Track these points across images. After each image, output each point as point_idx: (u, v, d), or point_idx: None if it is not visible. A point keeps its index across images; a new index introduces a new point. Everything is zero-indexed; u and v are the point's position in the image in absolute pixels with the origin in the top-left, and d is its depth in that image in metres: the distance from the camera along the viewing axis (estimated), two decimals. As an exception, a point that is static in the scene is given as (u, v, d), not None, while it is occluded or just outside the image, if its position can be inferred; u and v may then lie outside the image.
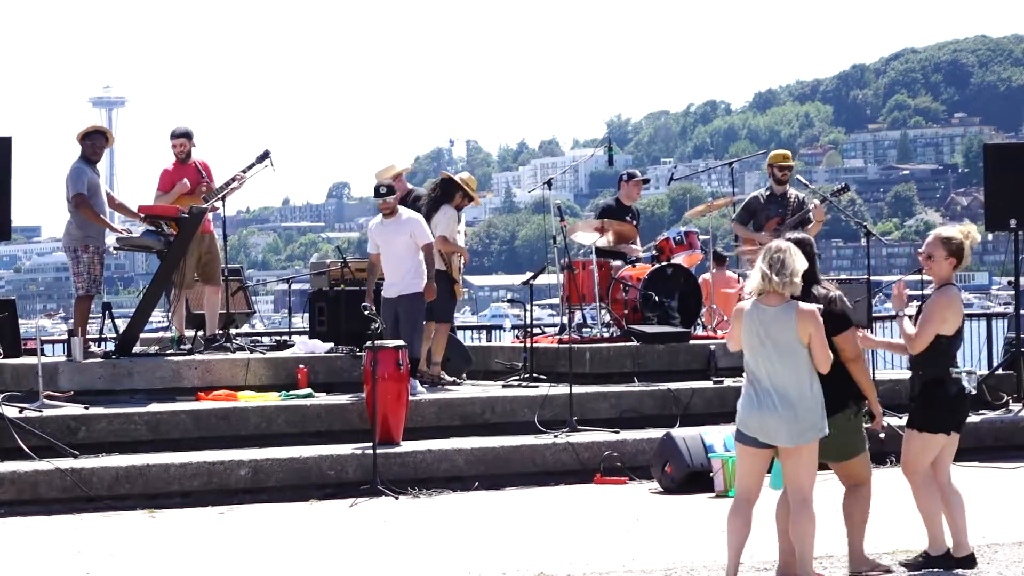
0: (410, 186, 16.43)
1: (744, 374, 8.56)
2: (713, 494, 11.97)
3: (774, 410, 8.31)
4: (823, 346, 8.33)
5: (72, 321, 14.95)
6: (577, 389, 14.05)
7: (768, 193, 15.71)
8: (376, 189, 14.58)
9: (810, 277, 8.60)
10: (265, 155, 15.91)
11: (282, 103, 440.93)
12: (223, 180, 15.67)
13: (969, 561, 9.09)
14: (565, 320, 16.92)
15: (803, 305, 8.37)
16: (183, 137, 15.67)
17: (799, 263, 8.39)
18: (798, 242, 8.65)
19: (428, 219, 15.07)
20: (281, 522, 11.25)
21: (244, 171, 15.81)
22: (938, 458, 9.12)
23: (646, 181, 18.24)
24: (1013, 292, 16.27)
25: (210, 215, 15.62)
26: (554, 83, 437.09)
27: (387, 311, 14.23)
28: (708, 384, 14.94)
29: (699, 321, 16.57)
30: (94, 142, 14.74)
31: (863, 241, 16.70)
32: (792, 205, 15.60)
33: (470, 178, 15.94)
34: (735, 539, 8.42)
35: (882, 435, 9.40)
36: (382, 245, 14.49)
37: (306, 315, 17.30)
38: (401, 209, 14.53)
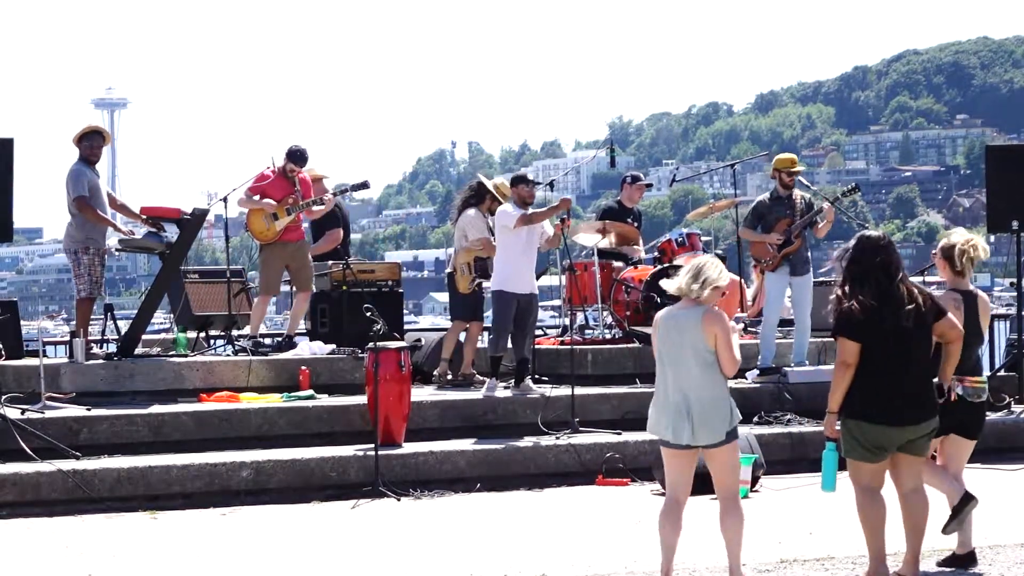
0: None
1: (656, 379, 8.71)
2: (715, 495, 11.94)
3: (683, 411, 8.50)
4: (728, 348, 8.50)
5: (74, 323, 14.94)
6: (579, 390, 14.06)
7: (774, 196, 15.73)
8: (523, 177, 14.74)
9: (897, 271, 8.68)
10: (363, 185, 16.29)
11: (283, 105, 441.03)
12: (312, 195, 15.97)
13: (970, 559, 9.18)
14: (567, 321, 16.93)
15: (710, 309, 8.56)
16: (303, 162, 15.88)
17: (717, 275, 8.59)
18: (878, 240, 8.73)
19: (455, 222, 15.53)
20: (283, 523, 11.25)
21: (335, 194, 16.12)
22: (949, 460, 9.22)
23: (648, 186, 18.24)
24: (1015, 294, 16.27)
25: (303, 221, 16.05)
26: (556, 85, 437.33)
27: (510, 306, 14.42)
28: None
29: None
30: (92, 143, 14.73)
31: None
32: (799, 207, 15.60)
33: (503, 184, 15.91)
34: (667, 541, 8.62)
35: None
36: (524, 238, 14.37)
37: (308, 317, 17.32)
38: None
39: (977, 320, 9.30)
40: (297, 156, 15.80)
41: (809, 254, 15.92)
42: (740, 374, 15.16)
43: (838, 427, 8.69)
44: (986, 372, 12.01)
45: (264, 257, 15.82)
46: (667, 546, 8.62)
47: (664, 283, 8.91)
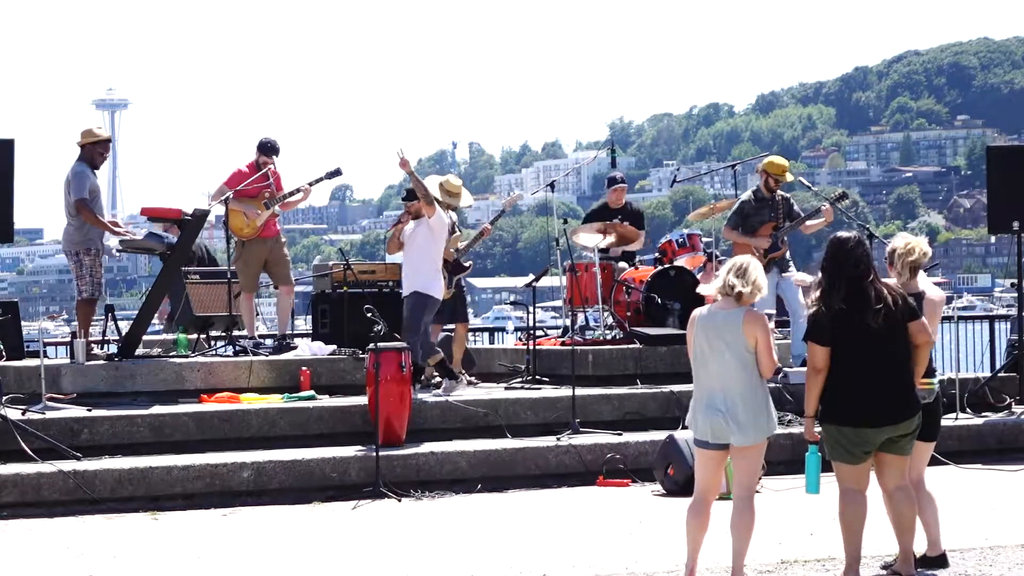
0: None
1: (693, 378, 8.77)
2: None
3: (721, 412, 8.58)
4: (768, 351, 8.58)
5: (75, 323, 14.91)
6: (580, 391, 14.05)
7: (759, 196, 15.81)
8: (409, 192, 14.72)
9: (868, 272, 8.69)
10: (336, 172, 16.29)
11: (285, 106, 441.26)
12: (289, 188, 15.93)
13: (942, 560, 9.21)
14: (568, 322, 16.92)
15: (751, 310, 8.63)
16: (275, 153, 15.88)
17: (761, 276, 8.68)
18: (848, 241, 8.73)
19: None
20: (284, 524, 11.25)
21: (310, 183, 16.10)
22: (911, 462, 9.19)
23: (623, 184, 18.03)
24: (1016, 294, 16.27)
25: (277, 217, 16.00)
26: (557, 85, 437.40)
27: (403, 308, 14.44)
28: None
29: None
30: (102, 149, 14.69)
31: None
32: (781, 208, 15.75)
33: (447, 180, 15.73)
34: (694, 538, 8.70)
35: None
36: (408, 240, 14.50)
37: (309, 317, 17.31)
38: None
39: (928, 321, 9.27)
40: (268, 148, 15.78)
41: (788, 253, 16.06)
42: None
43: (817, 430, 8.77)
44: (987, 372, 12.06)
45: (243, 255, 15.79)
46: (693, 544, 8.68)
47: (704, 288, 8.94)
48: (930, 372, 9.25)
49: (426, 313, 14.40)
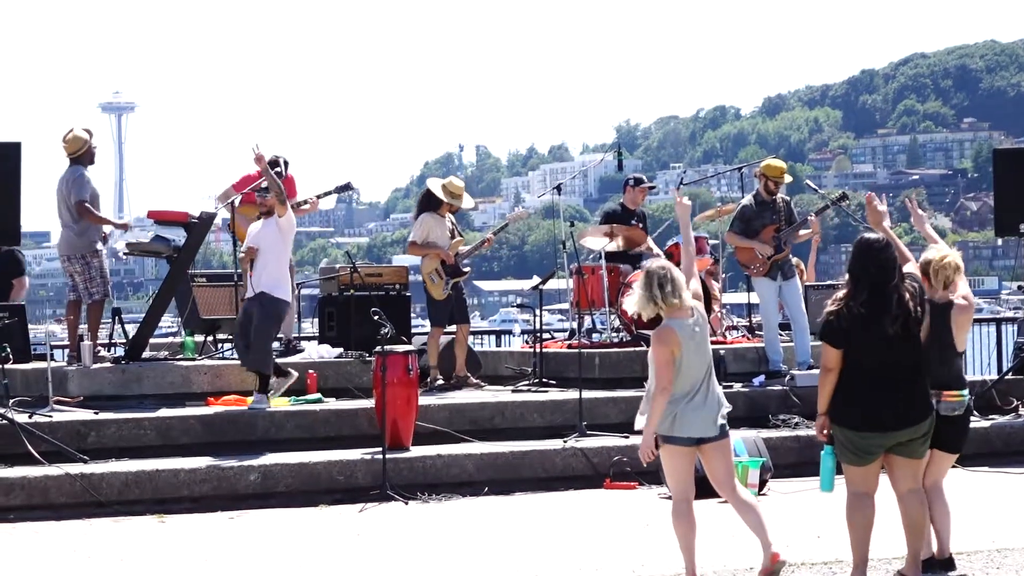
0: None
1: (658, 384, 8.79)
2: (722, 499, 11.94)
3: (701, 407, 8.68)
4: None
5: (83, 326, 14.86)
6: (587, 394, 14.05)
7: (759, 200, 15.79)
8: (260, 188, 14.43)
9: (894, 275, 8.66)
10: (346, 187, 16.36)
11: (291, 109, 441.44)
12: (301, 197, 16.02)
13: (949, 564, 9.19)
14: (575, 325, 16.92)
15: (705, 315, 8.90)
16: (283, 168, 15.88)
17: (682, 279, 8.83)
18: (876, 243, 8.70)
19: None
20: (291, 527, 11.26)
21: (318, 196, 16.16)
22: (926, 472, 9.14)
23: (652, 188, 18.21)
24: (1023, 297, 16.26)
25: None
26: (564, 88, 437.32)
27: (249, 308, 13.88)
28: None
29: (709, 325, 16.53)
30: (92, 147, 14.74)
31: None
32: (782, 210, 15.75)
33: (449, 182, 15.76)
34: (686, 540, 8.74)
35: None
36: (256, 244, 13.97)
37: (316, 320, 17.30)
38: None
39: (950, 331, 9.14)
40: (272, 163, 15.84)
41: (790, 256, 16.09)
42: (747, 378, 15.22)
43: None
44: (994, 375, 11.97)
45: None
46: (688, 546, 8.71)
47: (635, 308, 8.98)
48: (960, 384, 9.17)
49: (276, 318, 13.91)
